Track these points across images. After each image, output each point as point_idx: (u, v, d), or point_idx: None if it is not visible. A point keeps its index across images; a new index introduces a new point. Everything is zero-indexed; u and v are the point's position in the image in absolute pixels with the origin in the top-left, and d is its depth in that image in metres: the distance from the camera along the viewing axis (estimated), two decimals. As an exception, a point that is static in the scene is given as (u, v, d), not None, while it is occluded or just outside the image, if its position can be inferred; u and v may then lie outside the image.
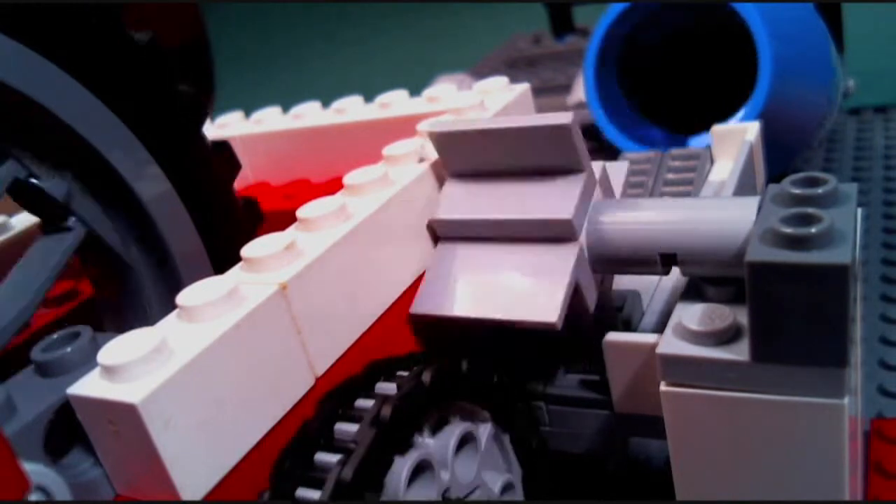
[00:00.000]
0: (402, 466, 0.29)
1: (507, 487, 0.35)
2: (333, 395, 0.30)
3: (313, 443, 0.29)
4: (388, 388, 0.31)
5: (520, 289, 0.33)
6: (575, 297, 0.33)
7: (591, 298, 0.34)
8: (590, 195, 0.34)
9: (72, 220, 0.34)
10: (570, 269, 0.33)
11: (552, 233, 0.33)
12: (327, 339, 0.31)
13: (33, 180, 0.33)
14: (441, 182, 0.38)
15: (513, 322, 0.33)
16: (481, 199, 0.36)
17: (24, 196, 0.34)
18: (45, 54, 0.32)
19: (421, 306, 0.36)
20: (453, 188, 0.37)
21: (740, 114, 0.58)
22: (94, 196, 0.35)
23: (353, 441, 0.28)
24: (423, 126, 0.39)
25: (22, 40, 0.31)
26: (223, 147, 0.40)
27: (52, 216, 0.34)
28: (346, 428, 0.29)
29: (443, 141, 0.36)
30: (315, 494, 0.26)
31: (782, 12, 0.59)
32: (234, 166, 0.41)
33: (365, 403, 0.30)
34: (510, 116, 0.35)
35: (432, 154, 0.38)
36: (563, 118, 0.32)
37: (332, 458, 0.28)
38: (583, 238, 0.33)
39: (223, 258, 0.39)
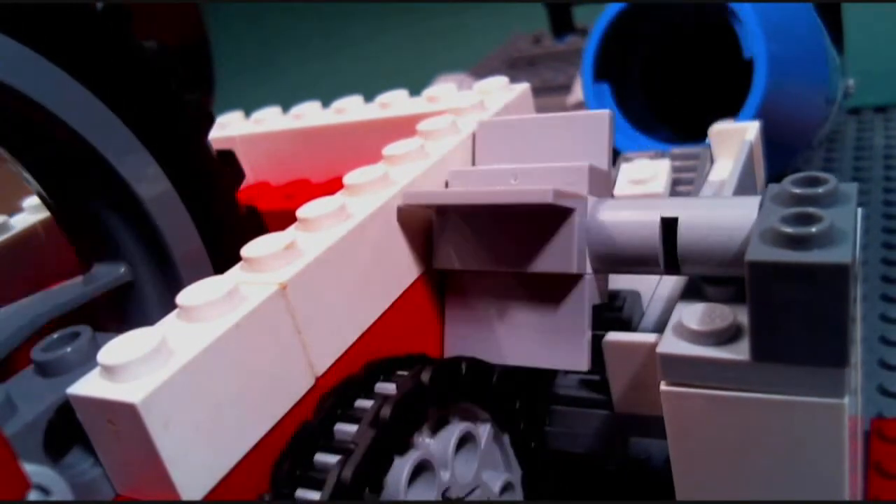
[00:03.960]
0: (402, 467, 0.29)
1: (506, 487, 0.35)
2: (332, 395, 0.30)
3: (313, 443, 0.29)
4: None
5: (544, 336, 0.35)
6: None
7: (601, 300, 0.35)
8: (585, 224, 0.33)
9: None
10: (585, 311, 0.34)
11: (559, 276, 0.34)
12: (327, 339, 0.31)
13: None
14: (441, 183, 0.38)
15: (546, 368, 0.35)
16: (480, 243, 0.35)
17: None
18: (53, 59, 0.32)
19: None
20: (445, 227, 0.36)
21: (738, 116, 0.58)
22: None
23: (353, 442, 0.28)
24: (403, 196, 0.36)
25: (31, 45, 0.31)
26: (228, 156, 0.40)
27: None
28: (346, 428, 0.29)
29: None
30: (315, 496, 0.26)
31: (778, 12, 0.59)
32: (238, 176, 0.41)
33: (364, 403, 0.30)
34: (489, 191, 0.34)
35: (434, 152, 0.38)
36: (546, 195, 0.31)
37: (331, 459, 0.27)
38: (588, 275, 0.34)
39: (224, 266, 0.39)
